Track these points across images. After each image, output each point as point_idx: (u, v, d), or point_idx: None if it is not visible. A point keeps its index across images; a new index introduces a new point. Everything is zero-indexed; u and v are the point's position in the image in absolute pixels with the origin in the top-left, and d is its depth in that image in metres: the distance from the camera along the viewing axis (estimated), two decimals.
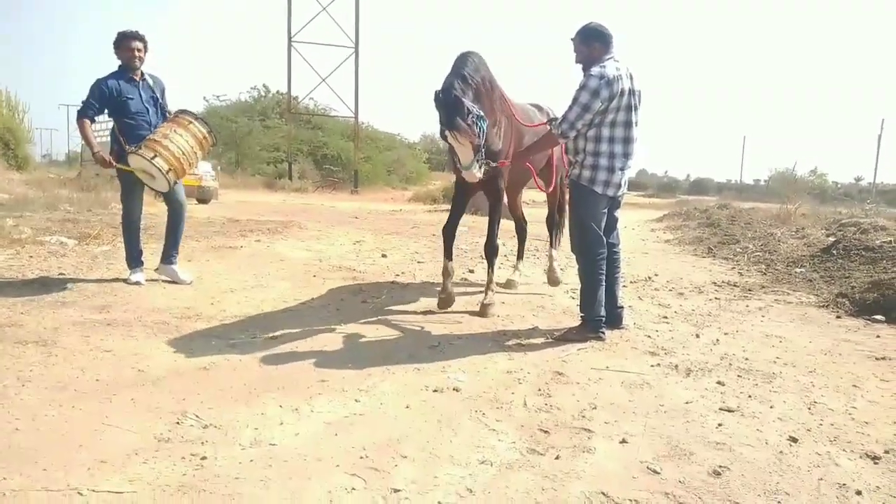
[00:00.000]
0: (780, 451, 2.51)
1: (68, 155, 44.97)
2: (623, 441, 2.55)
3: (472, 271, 6.50)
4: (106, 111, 4.93)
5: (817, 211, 15.71)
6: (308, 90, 26.98)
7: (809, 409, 2.99)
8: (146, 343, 3.54)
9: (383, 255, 7.29)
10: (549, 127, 4.38)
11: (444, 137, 4.17)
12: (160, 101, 5.14)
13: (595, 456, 2.42)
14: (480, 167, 4.17)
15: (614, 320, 4.23)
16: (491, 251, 4.76)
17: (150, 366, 3.18)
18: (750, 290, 6.23)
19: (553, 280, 5.82)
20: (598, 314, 4.04)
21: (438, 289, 4.80)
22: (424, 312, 4.63)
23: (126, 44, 4.90)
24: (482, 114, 4.09)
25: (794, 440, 2.61)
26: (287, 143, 25.11)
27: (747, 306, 5.42)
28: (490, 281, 4.76)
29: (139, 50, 4.93)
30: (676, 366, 3.53)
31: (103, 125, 7.00)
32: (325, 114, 28.77)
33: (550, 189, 5.65)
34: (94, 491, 2.01)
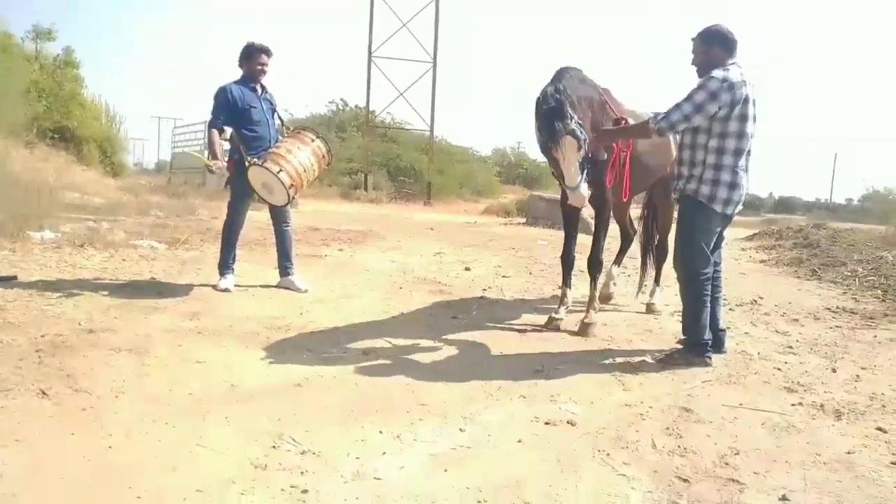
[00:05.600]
0: None
1: (157, 164, 47.40)
2: (784, 498, 2.16)
3: None
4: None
5: None
6: (385, 104, 27.05)
7: None
8: (237, 354, 3.40)
9: (466, 269, 7.03)
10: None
11: (546, 152, 3.89)
12: (276, 114, 5.19)
13: None
14: (586, 181, 3.87)
15: (717, 344, 3.87)
16: (594, 266, 4.44)
17: (242, 380, 3.01)
18: (872, 318, 5.60)
19: (653, 310, 5.20)
20: (703, 337, 3.70)
21: (552, 310, 4.59)
22: (520, 331, 4.33)
23: (257, 57, 4.94)
24: (582, 123, 3.80)
25: None
26: (363, 155, 25.40)
27: (875, 336, 4.83)
28: (592, 298, 4.43)
29: (266, 63, 4.99)
30: (822, 406, 3.07)
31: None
32: (401, 127, 28.99)
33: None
34: None
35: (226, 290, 4.84)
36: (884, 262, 9.40)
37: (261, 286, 5.18)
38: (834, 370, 3.75)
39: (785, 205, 40.10)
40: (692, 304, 3.73)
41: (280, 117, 5.28)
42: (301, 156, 4.78)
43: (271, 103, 5.13)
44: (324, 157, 5.03)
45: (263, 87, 5.08)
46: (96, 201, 10.32)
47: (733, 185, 3.63)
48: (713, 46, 3.67)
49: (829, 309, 5.98)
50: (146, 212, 9.69)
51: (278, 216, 5.14)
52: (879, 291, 7.12)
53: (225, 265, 4.99)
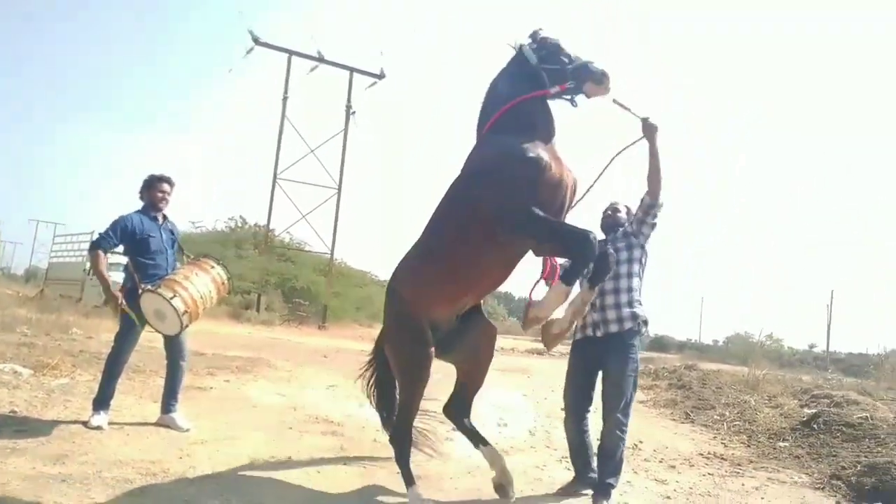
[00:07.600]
0: None
1: (28, 270, 43.92)
2: None
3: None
4: (123, 247, 4.87)
5: (778, 376, 15.88)
6: (287, 225, 27.17)
7: None
8: None
9: (360, 405, 6.89)
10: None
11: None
12: (176, 244, 5.14)
13: None
14: None
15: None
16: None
17: None
18: (739, 464, 6.02)
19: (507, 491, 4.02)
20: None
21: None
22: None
23: (158, 186, 4.98)
24: None
25: None
26: (260, 274, 24.86)
27: (743, 485, 5.18)
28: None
29: (167, 192, 5.02)
30: None
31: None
32: (301, 248, 28.92)
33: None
34: None
35: (98, 427, 4.47)
36: (747, 406, 10.20)
37: (138, 423, 4.83)
38: None
39: (660, 343, 42.84)
40: (621, 446, 4.04)
41: (181, 247, 5.23)
42: (198, 282, 4.70)
43: (172, 233, 5.10)
44: (223, 283, 4.98)
45: (165, 217, 5.07)
46: None
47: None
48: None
49: (702, 454, 6.36)
50: (11, 328, 8.90)
51: (175, 350, 4.94)
52: (745, 436, 7.69)
53: (102, 401, 4.63)
